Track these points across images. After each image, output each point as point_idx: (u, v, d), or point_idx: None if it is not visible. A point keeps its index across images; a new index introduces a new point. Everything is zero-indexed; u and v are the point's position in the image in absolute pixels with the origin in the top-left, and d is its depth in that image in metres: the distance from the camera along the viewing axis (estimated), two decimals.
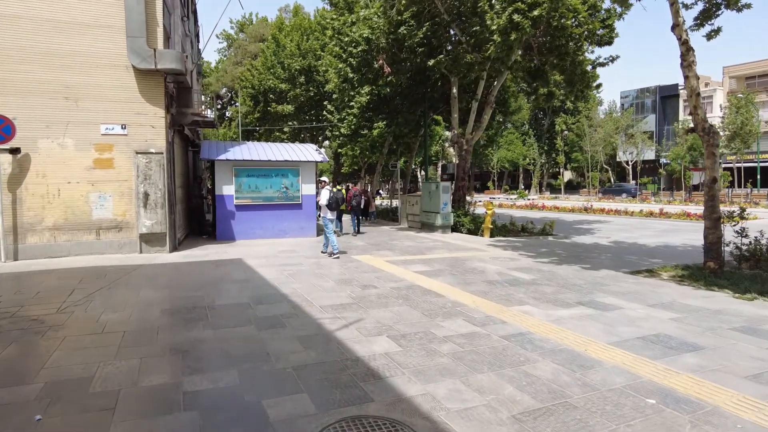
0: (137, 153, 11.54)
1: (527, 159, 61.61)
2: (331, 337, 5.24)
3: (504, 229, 16.96)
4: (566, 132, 57.15)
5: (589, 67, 18.00)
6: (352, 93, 17.68)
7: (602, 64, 18.40)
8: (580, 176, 67.46)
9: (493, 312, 6.35)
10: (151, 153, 11.64)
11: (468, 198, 18.95)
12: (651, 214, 24.61)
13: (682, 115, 56.51)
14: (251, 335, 5.29)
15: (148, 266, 9.93)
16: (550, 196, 49.63)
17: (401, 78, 17.76)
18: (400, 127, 21.85)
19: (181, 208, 14.71)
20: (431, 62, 16.58)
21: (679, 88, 58.30)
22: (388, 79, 17.08)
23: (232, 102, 50.53)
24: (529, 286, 7.98)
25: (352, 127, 23.61)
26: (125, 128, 11.47)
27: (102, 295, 7.18)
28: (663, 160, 56.81)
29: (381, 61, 16.38)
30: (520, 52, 17.47)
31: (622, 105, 62.61)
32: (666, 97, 59.42)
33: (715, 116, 52.40)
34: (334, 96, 25.68)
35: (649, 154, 57.01)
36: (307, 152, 15.64)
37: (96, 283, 8.10)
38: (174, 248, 12.42)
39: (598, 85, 18.78)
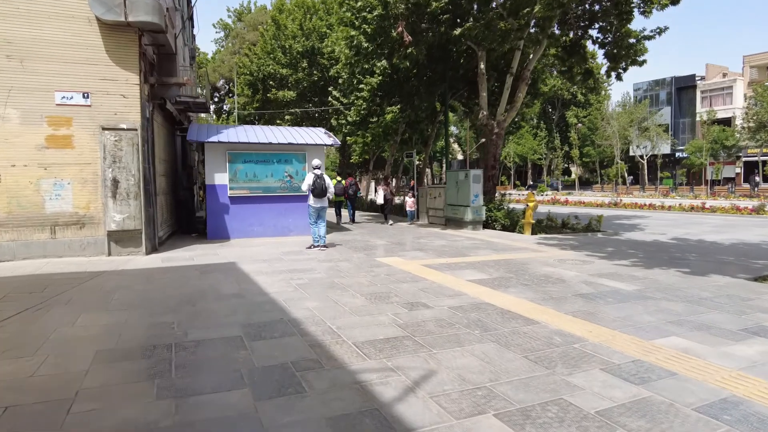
0: (104, 129, 9.09)
1: (537, 153, 59.07)
2: (395, 419, 2.79)
3: (544, 226, 14.56)
4: (579, 125, 54.67)
5: (631, 41, 15.59)
6: (366, 66, 15.19)
7: (648, 37, 15.90)
8: (589, 172, 64.92)
9: (635, 352, 3.92)
10: (122, 129, 9.20)
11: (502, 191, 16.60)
12: (692, 208, 22.21)
13: (699, 107, 54.06)
14: (243, 414, 2.85)
15: (112, 274, 7.49)
16: (564, 192, 47.07)
17: (421, 51, 15.30)
18: (416, 110, 19.37)
19: (164, 201, 12.27)
20: (458, 31, 14.15)
21: (696, 79, 55.83)
22: (408, 51, 14.62)
23: (230, 94, 48.03)
24: (644, 302, 5.55)
25: (362, 112, 21.19)
26: (88, 97, 9.02)
27: (19, 323, 4.74)
28: (679, 154, 54.34)
29: (400, 29, 13.92)
30: (555, 26, 15.12)
31: (636, 97, 60.01)
32: (682, 88, 56.85)
33: (736, 107, 49.97)
34: (341, 80, 23.24)
35: (665, 148, 54.48)
36: (315, 135, 13.20)
37: (24, 300, 5.65)
38: (153, 249, 9.99)
39: (643, 61, 16.26)
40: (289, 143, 12.32)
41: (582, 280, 6.88)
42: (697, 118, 52.94)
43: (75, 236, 9.06)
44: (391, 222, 16.22)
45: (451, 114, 24.19)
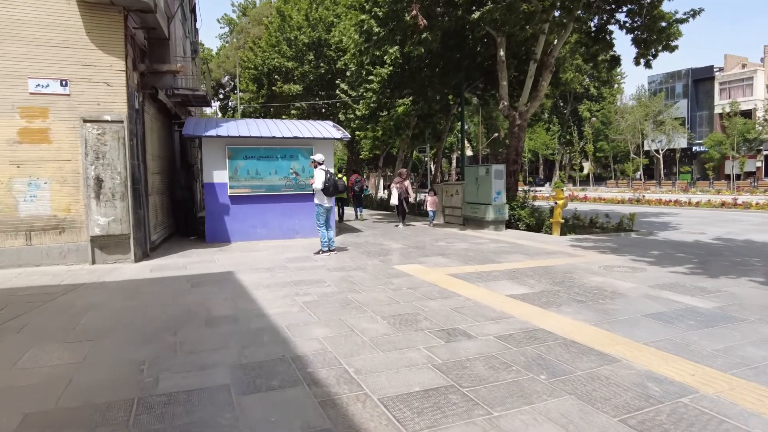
0: (85, 121, 8.05)
1: (549, 149, 57.60)
2: None
3: (571, 225, 13.38)
4: (594, 118, 53.15)
5: (663, 24, 14.41)
6: (377, 53, 14.05)
7: (681, 20, 14.66)
8: (601, 167, 63.31)
9: None
10: (106, 121, 8.15)
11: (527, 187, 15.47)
12: (723, 204, 20.91)
13: (718, 99, 52.36)
14: None
15: (90, 287, 6.45)
16: (578, 188, 45.65)
17: (436, 36, 14.17)
18: (429, 103, 18.21)
19: (159, 202, 11.25)
20: (477, 14, 12.99)
21: (714, 70, 54.09)
22: (423, 36, 13.47)
23: (236, 91, 47.12)
24: (737, 327, 4.41)
25: (371, 105, 20.07)
26: (66, 85, 7.99)
27: None
28: (696, 148, 52.69)
29: (414, 12, 12.78)
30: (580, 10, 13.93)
31: (650, 90, 58.31)
32: (699, 80, 55.11)
33: (757, 99, 48.26)
34: (349, 73, 22.14)
35: (681, 142, 52.86)
36: (323, 128, 12.12)
37: None
38: (144, 255, 8.96)
39: (675, 47, 15.00)
40: (295, 137, 11.25)
41: (643, 293, 5.74)
42: (717, 111, 51.25)
43: (54, 242, 8.04)
44: (399, 224, 14.25)
45: (471, 102, 22.96)
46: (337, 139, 11.80)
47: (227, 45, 49.88)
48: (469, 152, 65.51)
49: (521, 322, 4.59)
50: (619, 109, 55.14)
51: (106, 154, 8.13)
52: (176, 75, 10.29)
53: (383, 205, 23.67)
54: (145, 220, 9.20)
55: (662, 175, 52.70)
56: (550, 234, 12.20)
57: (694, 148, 53.49)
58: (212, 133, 10.77)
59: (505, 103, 14.80)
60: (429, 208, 14.85)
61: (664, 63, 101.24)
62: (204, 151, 10.93)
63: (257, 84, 29.21)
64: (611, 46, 15.86)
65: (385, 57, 17.98)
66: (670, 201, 23.30)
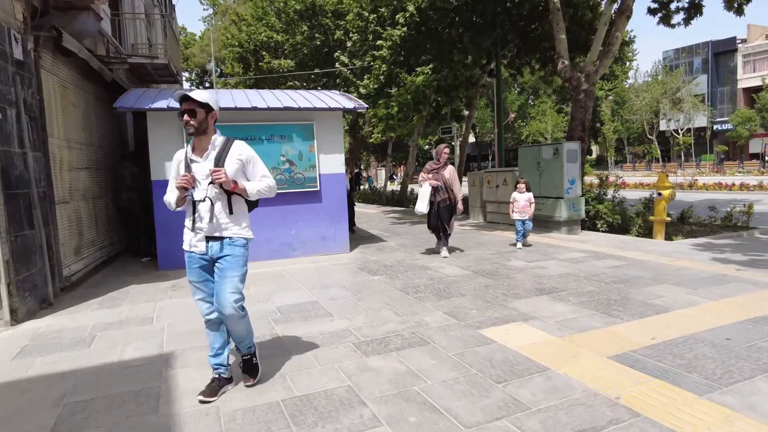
0: None
1: (562, 131, 53.85)
2: None
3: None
4: (610, 97, 49.48)
5: None
6: (395, 2, 10.29)
7: None
8: (613, 150, 59.53)
9: None
10: None
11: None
12: None
13: (741, 73, 48.62)
14: None
15: None
16: (598, 173, 41.96)
17: None
18: (454, 70, 14.48)
19: (90, 211, 7.59)
20: None
21: (737, 42, 50.26)
22: None
23: (223, 77, 43.11)
24: None
25: (380, 79, 16.36)
26: None
27: None
28: (719, 126, 49.06)
29: None
30: None
31: (666, 65, 54.46)
32: (720, 53, 51.33)
33: None
34: (349, 43, 18.40)
35: (701, 121, 49.20)
36: (328, 98, 8.43)
37: None
38: (42, 304, 5.34)
39: None
40: (288, 108, 7.58)
41: None
42: (740, 85, 47.62)
43: None
44: (444, 254, 7.51)
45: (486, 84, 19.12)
46: (347, 109, 8.11)
47: (211, 28, 45.73)
48: (471, 139, 61.76)
49: None
50: (634, 88, 51.37)
51: None
52: (94, 12, 6.53)
53: (395, 198, 20.05)
54: (42, 247, 5.54)
55: (682, 157, 49.16)
56: (651, 238, 8.64)
57: (715, 127, 49.87)
58: (162, 104, 7.09)
59: (566, 62, 11.16)
60: (517, 216, 8.08)
61: (677, 36, 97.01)
62: (151, 133, 7.25)
63: (243, 64, 25.32)
64: None
65: (398, 16, 14.32)
66: (734, 185, 19.75)
